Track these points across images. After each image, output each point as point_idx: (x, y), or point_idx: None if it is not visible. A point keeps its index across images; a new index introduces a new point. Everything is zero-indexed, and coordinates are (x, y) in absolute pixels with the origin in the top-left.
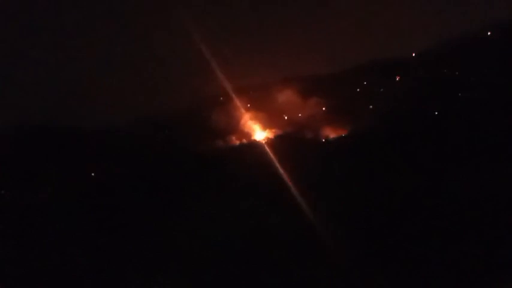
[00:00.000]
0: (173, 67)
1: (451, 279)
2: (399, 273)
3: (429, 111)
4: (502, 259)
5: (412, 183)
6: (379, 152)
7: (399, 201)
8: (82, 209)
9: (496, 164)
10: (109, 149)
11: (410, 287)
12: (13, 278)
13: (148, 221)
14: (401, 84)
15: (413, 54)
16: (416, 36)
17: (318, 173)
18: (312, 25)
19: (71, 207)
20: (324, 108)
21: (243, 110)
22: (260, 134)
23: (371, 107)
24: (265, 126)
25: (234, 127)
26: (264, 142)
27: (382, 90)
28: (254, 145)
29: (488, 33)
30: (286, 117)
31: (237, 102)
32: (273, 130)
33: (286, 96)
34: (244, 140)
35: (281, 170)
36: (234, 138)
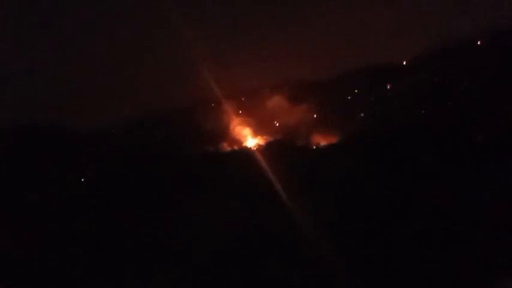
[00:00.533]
0: (163, 71)
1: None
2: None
3: (420, 118)
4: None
5: (403, 189)
6: (370, 159)
7: (390, 208)
8: (72, 211)
9: (488, 168)
10: (97, 152)
11: None
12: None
13: (136, 224)
14: (392, 91)
15: (404, 62)
16: (407, 44)
17: (308, 179)
18: (303, 32)
19: (61, 208)
20: (314, 115)
21: (233, 116)
22: (251, 140)
23: (362, 114)
24: (256, 132)
25: (225, 133)
26: (254, 148)
27: (373, 97)
28: (245, 151)
29: (478, 43)
30: (277, 124)
31: (228, 108)
32: (264, 136)
33: (277, 103)
34: (234, 146)
35: (272, 177)
36: (224, 144)
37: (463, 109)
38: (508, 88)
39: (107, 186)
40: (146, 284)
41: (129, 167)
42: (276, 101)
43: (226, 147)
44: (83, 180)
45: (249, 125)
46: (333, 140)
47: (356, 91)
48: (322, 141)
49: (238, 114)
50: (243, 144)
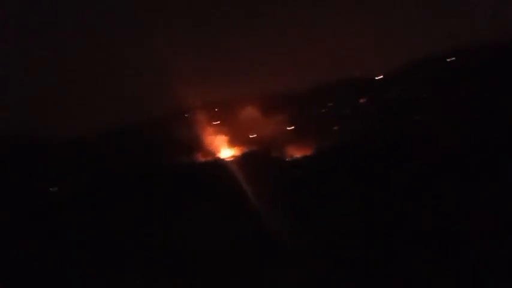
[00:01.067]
0: (136, 82)
1: None
2: None
3: (393, 131)
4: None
5: (377, 201)
6: (343, 171)
7: (364, 218)
8: (41, 223)
9: (458, 181)
10: (68, 162)
11: None
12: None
13: (108, 236)
14: (366, 105)
15: (378, 77)
16: (381, 58)
17: (283, 190)
18: (278, 44)
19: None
20: (289, 127)
21: (208, 127)
22: (225, 151)
23: (336, 127)
24: (231, 143)
25: (199, 144)
26: (229, 159)
27: (347, 111)
28: (219, 162)
29: (448, 60)
30: (251, 135)
31: (202, 118)
32: (239, 147)
33: (251, 114)
34: (209, 157)
35: (246, 187)
36: (198, 155)
37: (435, 123)
38: (480, 101)
39: (78, 197)
40: None
41: (101, 178)
42: (250, 113)
43: (200, 158)
44: (51, 189)
45: (223, 135)
46: (307, 152)
47: (330, 104)
48: (296, 153)
49: (212, 125)
50: (218, 155)
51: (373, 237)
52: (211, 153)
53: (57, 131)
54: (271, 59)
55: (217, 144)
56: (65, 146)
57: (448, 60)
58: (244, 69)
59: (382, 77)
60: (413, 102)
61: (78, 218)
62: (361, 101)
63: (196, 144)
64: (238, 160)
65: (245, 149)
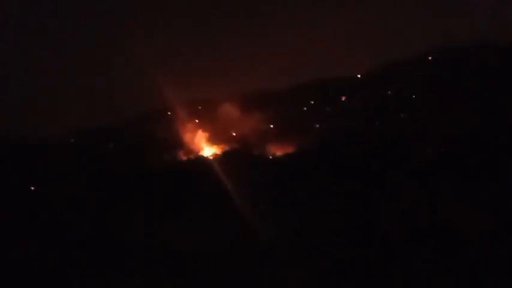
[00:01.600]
0: (119, 78)
1: None
2: None
3: (374, 130)
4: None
5: (357, 200)
6: (325, 169)
7: (345, 216)
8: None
9: (438, 179)
10: (50, 160)
11: None
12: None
13: (90, 235)
14: (348, 103)
15: (359, 75)
16: (363, 57)
17: (264, 188)
18: (261, 42)
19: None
20: (271, 125)
21: (190, 125)
22: (207, 149)
23: (317, 125)
24: (213, 141)
25: (181, 142)
26: (211, 157)
27: (328, 109)
28: (201, 160)
29: (429, 58)
30: (233, 133)
31: (184, 116)
32: (221, 145)
33: (234, 112)
34: (191, 155)
35: (228, 185)
36: (180, 153)
37: (416, 121)
38: (461, 100)
39: (57, 198)
40: None
41: (83, 177)
42: (232, 111)
43: (182, 156)
44: (32, 188)
45: (205, 134)
46: (289, 150)
47: (312, 102)
48: (278, 151)
49: (194, 123)
50: (200, 153)
51: (359, 236)
52: (194, 151)
53: (36, 131)
54: (253, 58)
55: (199, 142)
56: (40, 146)
57: (430, 57)
58: (227, 68)
59: (363, 75)
60: (402, 101)
61: (68, 218)
62: (343, 99)
63: (178, 142)
64: (220, 158)
65: (227, 147)
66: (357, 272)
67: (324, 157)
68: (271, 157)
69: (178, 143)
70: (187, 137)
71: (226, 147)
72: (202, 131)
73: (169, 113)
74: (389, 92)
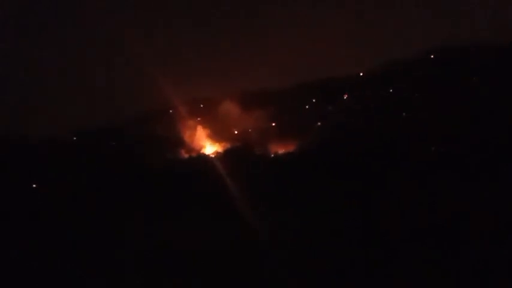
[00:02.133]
0: (119, 78)
1: None
2: None
3: (376, 128)
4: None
5: (357, 200)
6: (327, 167)
7: (345, 216)
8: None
9: (438, 179)
10: (51, 160)
11: None
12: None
13: (90, 235)
14: (349, 102)
15: (361, 73)
16: (364, 56)
17: (267, 187)
18: (263, 41)
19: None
20: (273, 124)
21: (192, 123)
22: (209, 147)
23: (319, 123)
24: (215, 139)
25: (183, 140)
26: (213, 156)
27: (330, 107)
28: (203, 158)
29: (429, 58)
30: (235, 131)
31: (187, 115)
32: (223, 144)
33: (235, 110)
34: (193, 153)
35: (230, 183)
36: (182, 151)
37: (417, 120)
38: (461, 100)
39: (57, 198)
40: None
41: (83, 177)
42: (234, 109)
43: (183, 154)
44: (34, 186)
45: (207, 132)
46: (291, 148)
47: (314, 100)
48: (280, 149)
49: (197, 122)
50: (202, 152)
51: (359, 236)
52: (195, 150)
53: (36, 131)
54: (255, 57)
55: (201, 140)
56: (41, 145)
57: (432, 56)
58: (227, 68)
59: (364, 74)
60: (403, 101)
61: (68, 218)
62: (345, 97)
63: (180, 141)
64: (222, 156)
65: (229, 145)
66: (357, 272)
67: (324, 157)
68: (272, 156)
69: (179, 142)
70: (188, 135)
71: (228, 145)
72: (204, 129)
73: (171, 111)
74: (389, 92)
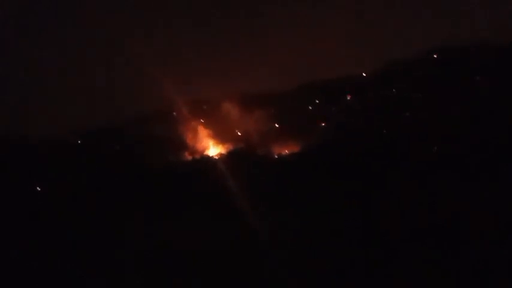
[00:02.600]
0: (119, 78)
1: None
2: None
3: (381, 129)
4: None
5: (357, 200)
6: (331, 168)
7: (345, 216)
8: (25, 223)
9: (438, 179)
10: (51, 160)
11: None
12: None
13: (90, 235)
14: (353, 102)
15: (365, 74)
16: (367, 56)
17: (270, 188)
18: (265, 42)
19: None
20: (276, 125)
21: (195, 125)
22: (212, 149)
23: (323, 124)
24: (218, 141)
25: (186, 142)
26: (216, 157)
27: (334, 108)
28: (206, 160)
29: (430, 58)
30: (239, 133)
31: (189, 116)
32: (226, 145)
33: (239, 111)
34: (196, 155)
35: (233, 185)
36: (185, 152)
37: (416, 121)
38: (461, 100)
39: (57, 198)
40: None
41: (83, 177)
42: (238, 110)
43: (187, 156)
44: (34, 186)
45: (210, 133)
46: (295, 149)
47: (317, 101)
48: (283, 150)
49: (200, 123)
50: (205, 153)
51: (359, 236)
52: (199, 151)
53: (37, 131)
54: (258, 57)
55: (204, 141)
56: (42, 146)
57: (435, 56)
58: (232, 67)
59: (368, 74)
60: (404, 101)
61: (68, 218)
62: (349, 97)
63: (183, 142)
64: (225, 157)
65: (232, 147)
66: (357, 272)
67: (326, 157)
68: (276, 156)
69: (183, 143)
70: (191, 136)
71: (232, 147)
72: (207, 130)
73: (174, 113)
74: (389, 92)
